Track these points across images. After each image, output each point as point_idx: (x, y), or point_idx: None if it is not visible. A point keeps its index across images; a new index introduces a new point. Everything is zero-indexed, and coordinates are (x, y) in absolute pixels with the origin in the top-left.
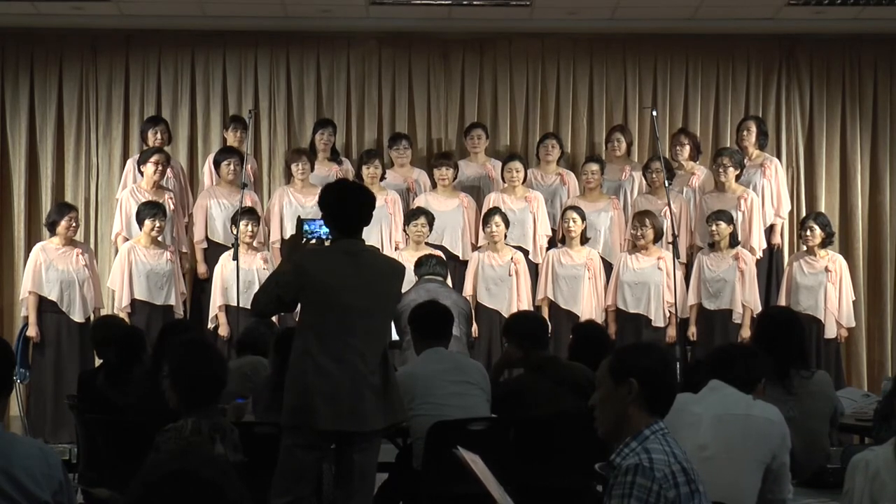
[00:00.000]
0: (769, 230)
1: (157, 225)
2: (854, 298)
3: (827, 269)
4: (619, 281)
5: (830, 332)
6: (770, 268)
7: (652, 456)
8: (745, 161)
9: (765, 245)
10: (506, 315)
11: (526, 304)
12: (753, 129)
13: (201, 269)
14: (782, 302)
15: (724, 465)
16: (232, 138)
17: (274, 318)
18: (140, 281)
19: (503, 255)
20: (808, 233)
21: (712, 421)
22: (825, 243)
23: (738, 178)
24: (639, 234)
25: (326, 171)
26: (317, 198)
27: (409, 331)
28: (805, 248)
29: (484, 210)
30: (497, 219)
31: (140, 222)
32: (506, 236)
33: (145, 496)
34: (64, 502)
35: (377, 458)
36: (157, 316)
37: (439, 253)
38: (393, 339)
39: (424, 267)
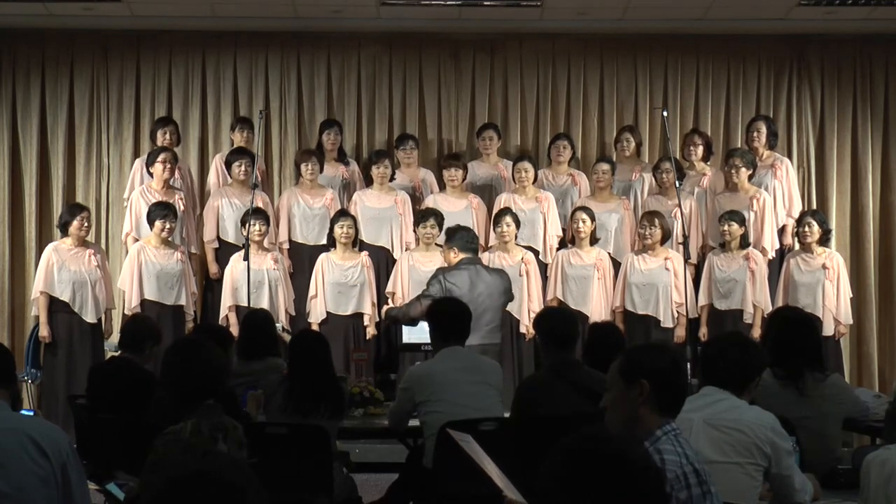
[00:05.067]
0: (781, 231)
1: (168, 226)
2: (852, 296)
3: (824, 267)
4: (627, 282)
5: (828, 329)
6: (781, 268)
7: (664, 457)
8: (756, 161)
9: (777, 245)
10: (517, 316)
11: (536, 305)
12: (763, 129)
13: (213, 269)
14: (780, 300)
15: (719, 471)
16: (238, 139)
17: (284, 322)
18: (150, 281)
19: (513, 256)
20: (806, 229)
21: (703, 426)
22: (823, 240)
23: (749, 178)
24: (647, 233)
25: (333, 172)
26: (325, 199)
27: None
28: (802, 245)
29: (494, 211)
30: (508, 219)
31: (150, 223)
32: (516, 237)
33: (166, 493)
34: (72, 479)
35: None
36: (167, 316)
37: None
38: (404, 341)
39: (462, 241)
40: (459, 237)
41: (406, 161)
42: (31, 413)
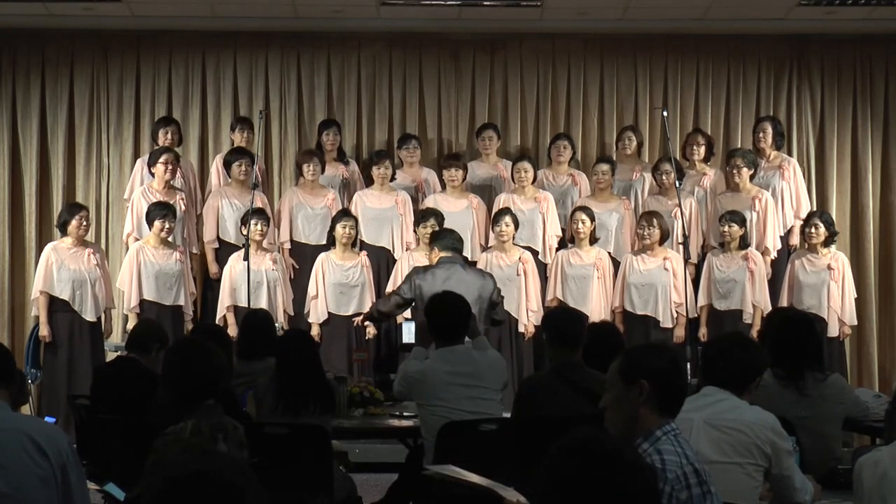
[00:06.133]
0: (789, 232)
1: (167, 226)
2: (856, 296)
3: (829, 267)
4: (626, 283)
5: (833, 330)
6: (784, 268)
7: (664, 457)
8: (763, 162)
9: (779, 246)
10: (515, 315)
11: (535, 304)
12: (769, 129)
13: (213, 269)
14: (784, 300)
15: (719, 471)
16: (238, 139)
17: (283, 323)
18: (149, 281)
19: (511, 256)
20: (813, 230)
21: (704, 427)
22: (828, 242)
23: (751, 178)
24: (645, 234)
25: (333, 172)
26: (326, 199)
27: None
28: (807, 245)
29: (494, 210)
30: (507, 219)
31: (150, 223)
32: (514, 237)
33: (166, 492)
34: (72, 479)
35: None
36: (166, 316)
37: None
38: (404, 342)
39: (446, 240)
40: (441, 237)
41: (409, 161)
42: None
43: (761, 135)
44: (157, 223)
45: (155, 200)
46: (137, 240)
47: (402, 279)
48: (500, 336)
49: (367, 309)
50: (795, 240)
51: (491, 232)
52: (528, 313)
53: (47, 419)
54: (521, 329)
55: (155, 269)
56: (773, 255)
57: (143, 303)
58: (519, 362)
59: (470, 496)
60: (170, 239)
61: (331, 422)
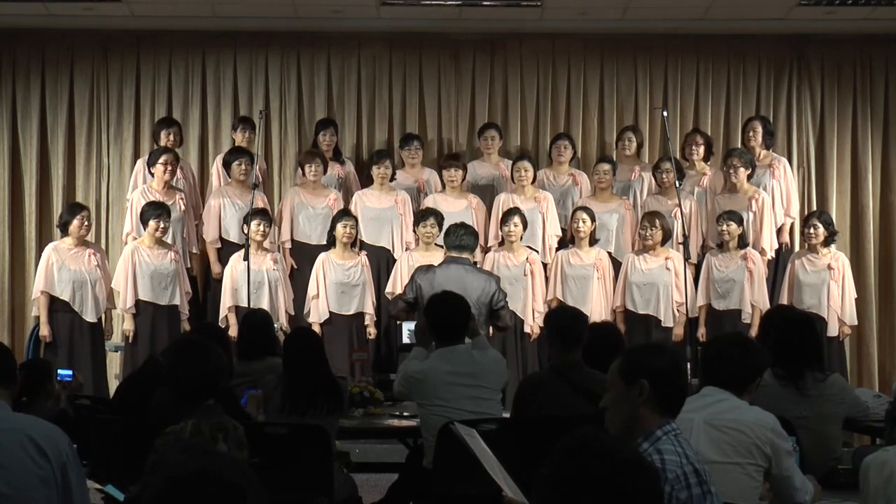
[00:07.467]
0: (779, 230)
1: (162, 226)
2: (856, 296)
3: (829, 267)
4: (628, 282)
5: (833, 330)
6: (777, 267)
7: (664, 457)
8: (755, 161)
9: (776, 245)
10: (521, 315)
11: (541, 305)
12: (759, 129)
13: (216, 269)
14: (784, 300)
15: (719, 471)
16: (240, 138)
17: (283, 321)
18: (144, 281)
19: (518, 256)
20: (812, 230)
21: (704, 427)
22: (828, 242)
23: (748, 178)
24: (647, 234)
25: (329, 171)
26: (328, 199)
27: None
28: (807, 245)
29: (497, 210)
30: (516, 219)
31: (144, 222)
32: (522, 237)
33: (166, 492)
34: (72, 479)
35: None
36: (162, 316)
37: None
38: (405, 342)
39: (451, 237)
40: (448, 234)
41: (410, 161)
42: (70, 373)
43: (751, 134)
44: (151, 223)
45: (151, 200)
46: (136, 239)
47: (407, 280)
48: (504, 336)
49: (368, 308)
50: (785, 237)
51: (498, 231)
52: (533, 314)
53: (60, 372)
54: (527, 329)
55: (150, 270)
56: (771, 254)
57: (138, 303)
58: (524, 363)
59: (471, 495)
60: (166, 239)
61: (336, 422)
